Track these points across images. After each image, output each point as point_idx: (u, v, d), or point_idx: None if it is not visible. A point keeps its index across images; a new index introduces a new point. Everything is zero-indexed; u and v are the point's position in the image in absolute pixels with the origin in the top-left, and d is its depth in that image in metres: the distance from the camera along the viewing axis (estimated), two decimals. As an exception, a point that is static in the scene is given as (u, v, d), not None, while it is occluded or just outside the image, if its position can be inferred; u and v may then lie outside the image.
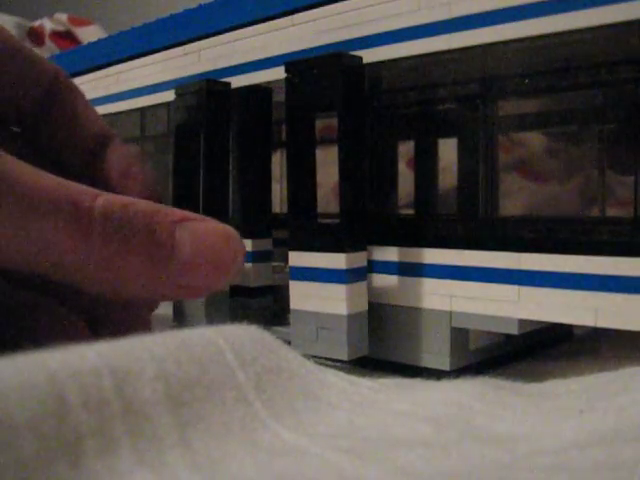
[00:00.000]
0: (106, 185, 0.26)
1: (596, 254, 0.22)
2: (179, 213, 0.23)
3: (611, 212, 0.25)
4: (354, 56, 0.27)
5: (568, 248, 0.22)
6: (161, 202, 0.25)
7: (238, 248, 0.23)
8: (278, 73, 0.30)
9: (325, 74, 0.26)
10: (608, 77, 0.22)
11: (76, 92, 0.27)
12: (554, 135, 0.29)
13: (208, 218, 0.23)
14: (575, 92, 0.23)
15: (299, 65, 0.27)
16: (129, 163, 0.27)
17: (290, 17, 0.30)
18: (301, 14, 0.30)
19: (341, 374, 0.24)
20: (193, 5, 0.36)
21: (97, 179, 0.27)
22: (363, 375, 0.24)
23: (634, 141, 0.21)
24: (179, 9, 0.37)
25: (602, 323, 0.21)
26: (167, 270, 0.22)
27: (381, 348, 0.26)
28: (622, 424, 0.18)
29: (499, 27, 0.23)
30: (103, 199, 0.21)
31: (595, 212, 0.24)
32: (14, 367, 0.15)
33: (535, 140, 0.30)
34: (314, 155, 0.27)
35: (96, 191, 0.21)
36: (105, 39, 0.45)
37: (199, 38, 0.35)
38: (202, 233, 0.22)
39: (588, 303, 0.22)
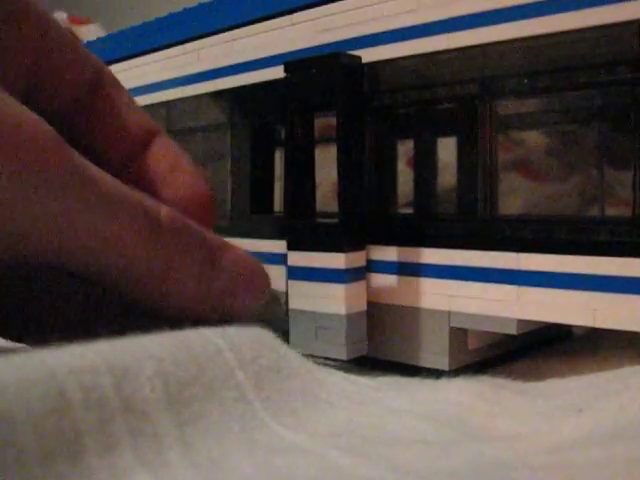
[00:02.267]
0: (154, 180, 0.26)
1: (595, 254, 0.22)
2: (217, 236, 0.24)
3: (610, 212, 0.25)
4: (353, 56, 0.27)
5: (567, 248, 0.22)
6: (213, 196, 0.27)
7: (265, 276, 0.24)
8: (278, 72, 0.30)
9: (324, 74, 0.26)
10: (606, 77, 0.22)
11: (119, 88, 0.27)
12: (553, 135, 0.29)
13: (240, 248, 0.24)
14: (573, 92, 0.23)
15: (298, 65, 0.27)
16: (177, 156, 0.27)
17: (289, 16, 0.30)
18: (300, 13, 0.30)
19: (340, 373, 0.24)
20: (193, 4, 0.36)
21: (142, 174, 0.26)
22: (362, 374, 0.24)
23: (632, 141, 0.21)
24: (179, 8, 0.37)
25: (600, 323, 0.21)
26: (214, 284, 0.23)
27: (380, 348, 0.26)
28: (621, 423, 0.18)
29: (498, 27, 0.23)
30: (165, 209, 0.22)
31: (594, 212, 0.24)
32: (14, 364, 0.15)
33: (534, 140, 0.30)
34: (313, 154, 0.27)
35: (158, 202, 0.22)
36: (104, 38, 0.45)
37: (199, 37, 0.35)
38: (240, 257, 0.24)
39: (586, 303, 0.22)
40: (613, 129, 0.23)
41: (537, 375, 0.24)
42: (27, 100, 0.23)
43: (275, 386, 0.20)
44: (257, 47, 0.32)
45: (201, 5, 0.35)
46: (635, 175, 0.21)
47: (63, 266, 0.20)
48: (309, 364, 0.23)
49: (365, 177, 0.27)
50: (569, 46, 0.22)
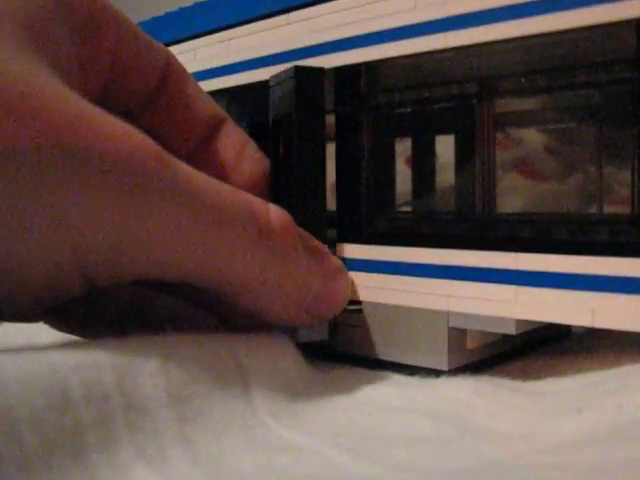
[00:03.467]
0: (221, 166, 0.26)
1: (593, 254, 0.22)
2: (311, 241, 0.23)
3: (609, 212, 0.25)
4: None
5: (565, 248, 0.22)
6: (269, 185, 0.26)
7: (348, 284, 0.24)
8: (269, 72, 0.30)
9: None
10: (604, 76, 0.22)
11: (186, 75, 0.26)
12: (551, 134, 0.29)
13: (327, 251, 0.24)
14: (571, 91, 0.23)
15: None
16: (243, 143, 0.27)
17: (285, 16, 0.30)
18: (296, 12, 0.30)
19: (340, 372, 0.24)
20: (189, 3, 0.36)
21: (210, 161, 0.26)
22: (361, 373, 0.24)
23: (630, 140, 0.21)
24: (174, 8, 0.37)
25: (599, 323, 0.21)
26: (306, 298, 0.22)
27: (378, 348, 0.26)
28: (620, 423, 0.18)
29: (495, 26, 0.23)
30: (273, 208, 0.21)
31: (593, 212, 0.24)
32: (17, 360, 0.15)
33: (532, 139, 0.30)
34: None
35: (261, 200, 0.21)
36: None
37: (195, 36, 0.35)
38: (329, 270, 0.23)
39: (585, 303, 0.22)
40: (611, 128, 0.23)
41: (536, 374, 0.24)
42: (105, 98, 0.24)
43: (277, 384, 0.20)
44: (253, 47, 0.32)
45: (197, 5, 0.35)
46: (634, 174, 0.21)
47: (174, 281, 0.19)
48: (311, 363, 0.23)
49: (362, 177, 0.27)
50: (567, 45, 0.22)
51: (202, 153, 0.26)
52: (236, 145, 0.27)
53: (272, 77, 0.28)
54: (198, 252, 0.19)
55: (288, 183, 0.27)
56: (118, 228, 0.17)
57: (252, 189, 0.25)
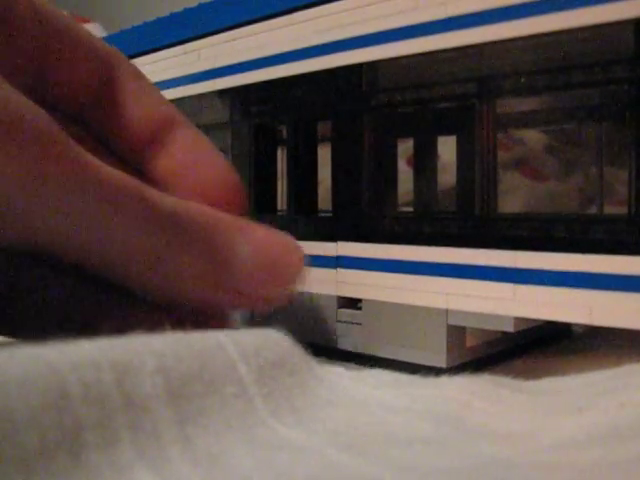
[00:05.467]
0: (176, 171, 0.26)
1: (591, 252, 0.22)
2: (240, 220, 0.23)
3: (607, 210, 0.25)
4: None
5: (563, 246, 0.22)
6: (242, 188, 0.26)
7: (298, 260, 0.23)
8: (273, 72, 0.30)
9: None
10: (603, 76, 0.22)
11: (134, 80, 0.26)
12: (550, 134, 0.29)
13: (269, 228, 0.24)
14: (570, 91, 0.23)
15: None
16: (199, 146, 0.27)
17: (289, 16, 0.30)
18: (299, 13, 0.30)
19: (341, 371, 0.24)
20: (194, 4, 0.36)
21: (163, 166, 0.26)
22: (361, 372, 0.24)
23: (628, 140, 0.21)
24: (180, 8, 0.37)
25: (597, 321, 0.21)
26: (226, 275, 0.22)
27: (377, 346, 0.26)
28: (621, 422, 0.18)
29: (495, 26, 0.23)
30: (169, 200, 0.21)
31: (591, 210, 0.24)
32: (15, 359, 0.15)
33: (531, 139, 0.30)
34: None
35: (162, 193, 0.21)
36: (105, 38, 0.45)
37: (200, 37, 0.35)
38: (262, 242, 0.23)
39: (583, 301, 0.22)
40: (610, 128, 0.23)
41: (537, 373, 0.24)
42: (35, 100, 0.24)
43: (277, 382, 0.20)
44: (257, 47, 0.32)
45: (202, 5, 0.36)
46: (631, 174, 0.21)
47: (55, 253, 0.20)
48: (311, 361, 0.23)
49: (363, 175, 0.27)
50: (566, 45, 0.22)
51: (152, 158, 0.26)
52: (192, 148, 0.26)
53: (296, 76, 0.29)
54: (80, 227, 0.19)
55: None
56: (18, 187, 0.18)
57: (213, 191, 0.26)
